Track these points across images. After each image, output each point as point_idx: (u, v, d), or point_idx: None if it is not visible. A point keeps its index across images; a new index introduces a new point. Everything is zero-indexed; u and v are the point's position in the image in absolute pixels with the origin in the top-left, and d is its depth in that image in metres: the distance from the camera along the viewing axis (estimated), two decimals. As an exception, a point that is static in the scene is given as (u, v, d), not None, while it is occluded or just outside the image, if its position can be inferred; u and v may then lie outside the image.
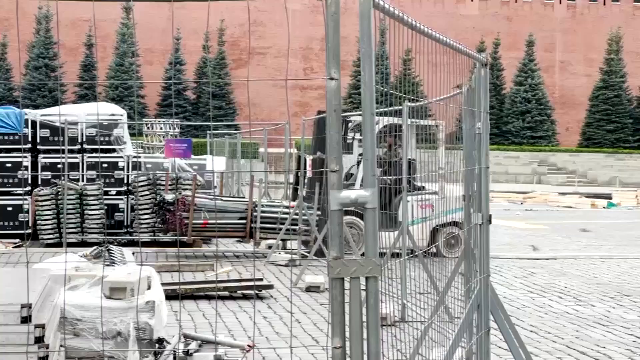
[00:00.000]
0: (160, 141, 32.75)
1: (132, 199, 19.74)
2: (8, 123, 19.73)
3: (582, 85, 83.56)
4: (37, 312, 6.14)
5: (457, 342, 6.01)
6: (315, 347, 9.62)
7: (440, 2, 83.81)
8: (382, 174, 13.27)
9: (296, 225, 16.78)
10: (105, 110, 21.80)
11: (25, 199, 19.45)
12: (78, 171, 19.91)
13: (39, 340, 5.97)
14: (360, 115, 16.70)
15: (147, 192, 19.20)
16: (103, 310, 7.35)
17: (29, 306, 5.94)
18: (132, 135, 26.53)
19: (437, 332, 6.49)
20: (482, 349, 6.49)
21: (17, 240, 19.16)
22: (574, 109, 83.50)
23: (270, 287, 13.37)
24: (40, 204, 18.81)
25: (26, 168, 19.73)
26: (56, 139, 19.78)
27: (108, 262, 9.91)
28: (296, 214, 16.78)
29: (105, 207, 19.26)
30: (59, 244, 18.47)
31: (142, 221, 19.13)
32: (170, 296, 10.94)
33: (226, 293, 13.03)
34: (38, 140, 19.97)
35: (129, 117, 34.74)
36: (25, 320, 5.92)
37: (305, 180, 18.89)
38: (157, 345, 8.01)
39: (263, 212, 17.78)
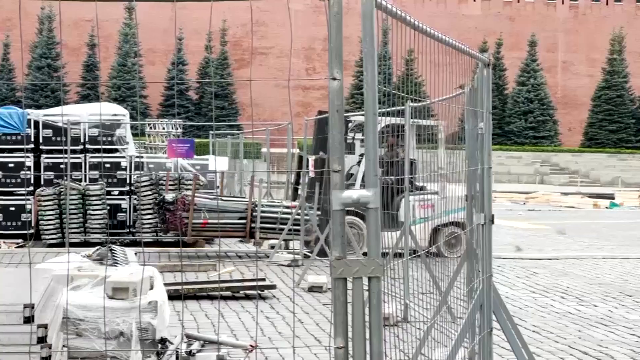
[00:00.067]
0: (163, 141, 32.71)
1: (135, 199, 19.74)
2: (11, 123, 19.73)
3: (584, 86, 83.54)
4: (40, 312, 6.14)
5: (460, 342, 6.01)
6: (317, 347, 9.62)
7: (442, 2, 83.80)
8: (383, 174, 13.28)
9: (298, 225, 16.78)
10: (108, 110, 21.81)
11: (28, 199, 19.46)
12: (81, 171, 19.91)
13: (42, 340, 5.98)
14: (360, 115, 16.77)
15: (149, 192, 19.20)
16: (106, 311, 7.35)
17: (32, 306, 5.94)
18: (134, 135, 26.55)
19: (439, 332, 6.49)
20: (484, 349, 6.49)
21: (19, 240, 19.17)
22: (577, 109, 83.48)
23: (272, 287, 13.37)
24: (43, 204, 18.81)
25: (29, 168, 19.73)
26: (59, 139, 19.79)
27: (111, 262, 9.91)
28: (298, 214, 16.77)
29: (108, 207, 19.25)
30: (61, 244, 18.48)
31: (145, 221, 19.13)
32: (173, 296, 10.95)
33: (229, 293, 13.03)
34: (41, 141, 19.97)
35: (132, 117, 34.74)
36: (28, 320, 5.93)
37: (306, 180, 18.90)
38: (159, 345, 8.02)
39: (263, 212, 17.77)
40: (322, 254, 15.50)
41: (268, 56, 78.96)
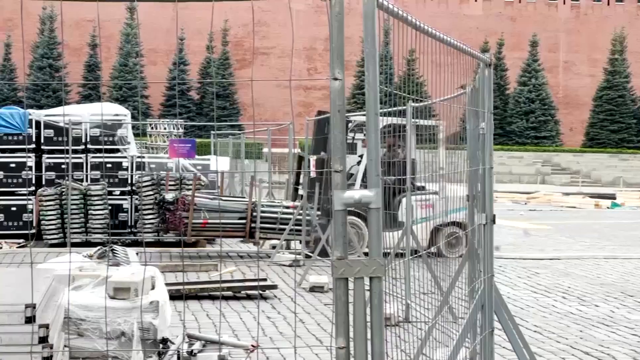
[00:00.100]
0: (164, 141, 32.72)
1: (136, 199, 19.75)
2: (12, 123, 19.74)
3: (586, 86, 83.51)
4: (41, 312, 6.14)
5: (461, 343, 6.01)
6: (319, 348, 9.63)
7: (444, 2, 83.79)
8: (383, 174, 13.25)
9: (300, 225, 16.78)
10: (109, 110, 21.81)
11: (30, 199, 19.45)
12: (82, 171, 19.92)
13: (43, 340, 5.98)
14: (360, 115, 16.77)
15: (151, 192, 19.20)
16: (107, 311, 7.35)
17: (33, 306, 5.95)
18: (136, 135, 26.56)
19: (441, 333, 6.49)
20: (486, 349, 6.49)
21: (21, 240, 19.18)
22: (578, 109, 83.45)
23: (274, 287, 13.37)
24: (45, 204, 18.82)
25: (30, 168, 19.73)
26: (60, 139, 19.79)
27: (112, 262, 9.91)
28: (300, 214, 16.77)
29: (109, 207, 19.25)
30: (63, 244, 18.48)
31: (146, 221, 19.13)
32: (174, 296, 10.96)
33: (230, 293, 13.03)
34: (42, 141, 19.98)
35: (133, 117, 34.78)
36: (30, 320, 5.93)
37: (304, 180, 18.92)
38: (161, 345, 8.02)
39: (263, 212, 17.75)
40: (324, 254, 15.51)
41: (269, 56, 78.96)
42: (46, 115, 20.58)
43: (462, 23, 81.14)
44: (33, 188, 19.57)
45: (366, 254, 3.96)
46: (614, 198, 45.35)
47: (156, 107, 73.35)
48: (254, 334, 10.29)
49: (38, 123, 20.04)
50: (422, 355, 6.32)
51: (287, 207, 18.05)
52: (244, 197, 19.74)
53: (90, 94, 70.47)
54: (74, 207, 18.83)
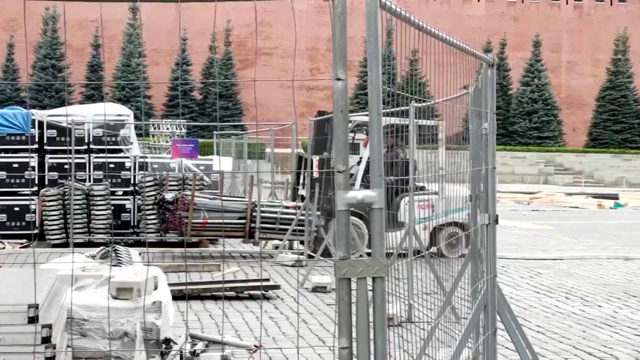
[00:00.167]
0: (167, 142, 32.75)
1: (139, 199, 19.76)
2: (15, 124, 19.75)
3: (588, 86, 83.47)
4: (44, 313, 6.15)
5: (464, 343, 6.01)
6: (322, 348, 9.62)
7: (446, 2, 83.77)
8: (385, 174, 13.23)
9: (302, 225, 16.78)
10: (112, 110, 21.81)
11: (32, 200, 19.47)
12: (85, 171, 19.92)
13: (46, 340, 5.98)
14: (360, 115, 16.76)
15: (153, 193, 19.20)
16: (110, 311, 7.36)
17: (36, 306, 5.95)
18: (138, 135, 26.58)
19: (443, 333, 6.49)
20: (488, 350, 6.49)
21: (24, 241, 19.19)
22: (581, 110, 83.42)
23: (277, 287, 13.37)
24: (47, 204, 18.83)
25: (33, 168, 19.75)
26: (63, 139, 19.81)
27: (115, 263, 9.92)
28: (303, 215, 16.77)
29: (112, 208, 19.26)
30: (65, 245, 18.49)
31: (149, 221, 19.13)
32: (177, 296, 10.95)
33: (233, 293, 13.03)
34: (45, 141, 20.00)
35: (136, 117, 34.79)
36: (32, 320, 5.93)
37: (306, 180, 18.93)
38: (163, 345, 8.02)
39: (262, 212, 17.73)
40: (326, 254, 15.51)
41: (272, 56, 78.98)
42: (49, 116, 20.59)
43: (465, 23, 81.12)
44: (36, 188, 19.59)
45: (368, 253, 3.96)
46: (617, 198, 45.32)
47: (159, 108, 73.36)
48: (256, 334, 10.29)
49: (41, 123, 20.05)
50: (424, 356, 6.32)
51: (287, 207, 18.05)
52: (244, 197, 19.74)
53: (93, 94, 70.50)
54: (77, 207, 18.84)
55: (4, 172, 19.59)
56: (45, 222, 18.79)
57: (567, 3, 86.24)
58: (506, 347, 9.12)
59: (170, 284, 9.56)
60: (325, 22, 74.69)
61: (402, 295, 11.02)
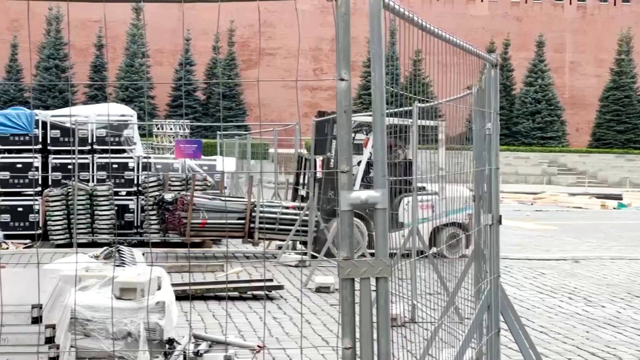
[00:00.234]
0: (170, 142, 32.81)
1: (142, 199, 19.77)
2: (19, 124, 19.78)
3: (592, 86, 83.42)
4: (48, 313, 6.15)
5: (467, 343, 6.01)
6: (325, 348, 9.63)
7: (450, 2, 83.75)
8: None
9: (305, 226, 16.78)
10: (116, 111, 21.83)
11: (36, 200, 19.49)
12: (88, 172, 19.94)
13: (50, 340, 5.99)
14: (360, 115, 16.72)
15: (157, 193, 19.20)
16: (113, 311, 7.36)
17: (40, 307, 5.95)
18: (142, 136, 26.59)
19: (447, 333, 6.49)
20: (492, 350, 6.48)
21: (27, 241, 19.21)
22: (584, 110, 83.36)
23: (280, 287, 13.37)
24: (51, 204, 18.85)
25: (37, 169, 19.77)
26: (66, 139, 19.82)
27: (118, 263, 9.92)
28: (306, 215, 16.77)
29: (116, 208, 19.28)
30: (69, 245, 18.51)
31: (152, 222, 19.13)
32: (181, 297, 10.96)
33: (236, 294, 13.04)
34: (48, 141, 20.01)
35: (139, 117, 34.75)
36: (36, 320, 5.94)
37: (306, 181, 18.94)
38: (167, 345, 8.02)
39: (262, 212, 17.72)
40: (329, 254, 15.52)
41: (275, 57, 78.97)
42: (52, 116, 20.61)
43: (468, 23, 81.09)
44: (39, 188, 19.62)
45: (372, 254, 3.96)
46: (621, 199, 45.31)
47: (162, 108, 73.40)
48: (260, 334, 10.30)
49: (44, 124, 20.07)
50: (428, 356, 6.32)
51: (287, 208, 18.05)
52: (244, 198, 19.73)
53: (97, 95, 70.53)
54: (80, 207, 18.85)
55: (8, 173, 19.61)
56: (49, 222, 18.81)
57: (570, 3, 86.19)
58: (509, 348, 9.12)
59: (173, 284, 9.56)
60: (329, 22, 74.64)
61: (405, 295, 11.03)
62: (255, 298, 12.98)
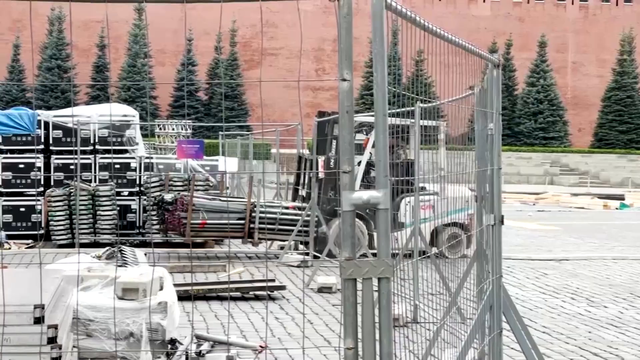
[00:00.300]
0: (173, 142, 32.79)
1: (145, 199, 19.77)
2: (21, 124, 19.76)
3: (594, 86, 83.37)
4: (50, 313, 6.16)
5: (470, 343, 6.01)
6: (327, 348, 9.63)
7: (452, 3, 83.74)
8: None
9: (306, 226, 16.77)
10: (118, 111, 21.85)
11: (38, 200, 19.49)
12: (90, 172, 19.96)
13: (52, 340, 5.99)
14: (361, 115, 16.69)
15: (158, 193, 19.20)
16: (115, 311, 7.37)
17: (42, 307, 5.96)
18: (144, 136, 26.59)
19: (449, 333, 6.49)
20: (494, 350, 6.48)
21: (29, 241, 19.22)
22: (586, 110, 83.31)
23: (282, 287, 13.37)
24: (53, 204, 18.86)
25: (39, 169, 19.78)
26: (69, 140, 19.84)
27: (120, 263, 9.92)
28: (308, 215, 16.76)
29: (118, 208, 19.28)
30: (71, 245, 18.51)
31: (154, 222, 19.13)
32: (183, 297, 10.97)
33: (238, 294, 13.04)
34: (51, 141, 20.02)
35: (141, 118, 34.80)
36: (38, 320, 5.94)
37: (306, 181, 18.95)
38: (169, 346, 8.03)
39: (262, 212, 17.72)
40: (330, 254, 15.52)
41: (278, 57, 78.97)
42: (55, 116, 20.63)
43: (470, 24, 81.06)
44: (42, 189, 19.62)
45: (374, 254, 3.96)
46: (623, 199, 45.29)
47: (164, 108, 73.42)
48: (262, 334, 10.30)
49: (47, 124, 20.09)
50: (430, 356, 6.31)
51: (287, 208, 18.05)
52: (244, 198, 19.73)
53: (99, 95, 70.54)
54: (83, 207, 18.86)
55: (10, 173, 19.62)
56: (51, 222, 18.82)
57: (572, 3, 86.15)
58: (512, 348, 9.12)
59: (175, 285, 9.56)
60: (331, 22, 74.59)
61: (407, 295, 11.03)
62: (257, 298, 12.98)
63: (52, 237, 18.84)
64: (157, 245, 18.83)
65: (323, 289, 13.69)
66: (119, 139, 20.26)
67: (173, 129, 36.12)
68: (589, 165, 68.33)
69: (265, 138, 34.13)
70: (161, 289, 8.31)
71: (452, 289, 8.21)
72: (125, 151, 20.37)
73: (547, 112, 77.74)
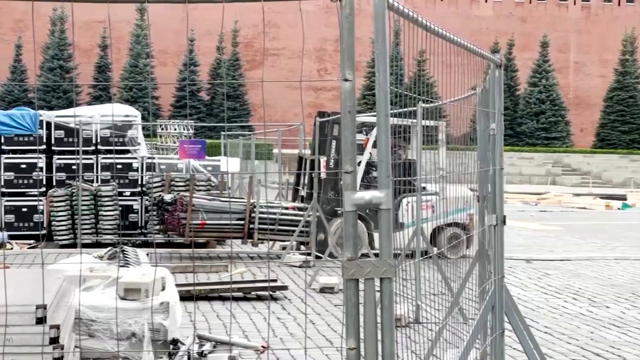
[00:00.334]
0: (175, 142, 32.78)
1: (147, 200, 19.77)
2: (23, 124, 19.75)
3: (596, 86, 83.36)
4: (52, 313, 6.16)
5: (472, 344, 6.00)
6: (329, 348, 9.62)
7: (454, 3, 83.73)
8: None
9: (307, 226, 16.76)
10: (120, 111, 21.85)
11: (40, 200, 19.50)
12: (92, 172, 19.95)
13: (54, 341, 5.99)
14: (361, 115, 16.69)
15: (159, 194, 19.19)
16: (117, 311, 7.37)
17: (44, 307, 5.96)
18: (146, 136, 26.60)
19: (451, 334, 6.49)
20: (496, 350, 6.48)
21: (32, 241, 19.23)
22: (589, 110, 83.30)
23: (284, 288, 13.37)
24: (55, 205, 18.86)
25: (41, 169, 19.79)
26: (71, 140, 19.85)
27: (122, 263, 9.93)
28: (310, 215, 16.76)
29: (120, 208, 19.29)
30: (73, 245, 18.52)
31: (156, 222, 19.12)
32: (185, 297, 10.96)
33: (240, 294, 13.04)
34: (53, 142, 20.03)
35: (143, 118, 34.82)
36: (41, 321, 5.94)
37: (306, 181, 18.94)
38: (171, 346, 8.03)
39: (261, 212, 17.70)
40: (332, 254, 15.52)
41: (279, 57, 79.00)
42: (57, 116, 20.63)
43: (473, 24, 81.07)
44: (44, 189, 19.63)
45: (376, 254, 3.96)
46: (625, 199, 45.26)
47: (166, 108, 73.42)
48: (264, 334, 10.30)
49: (49, 124, 20.09)
50: (432, 357, 6.31)
51: (286, 208, 18.04)
52: (243, 198, 19.73)
53: (101, 95, 70.55)
54: (85, 208, 18.87)
55: (12, 173, 19.63)
56: (53, 222, 18.82)
57: (574, 3, 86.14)
58: (514, 348, 9.12)
59: (177, 285, 9.57)
60: (333, 22, 74.62)
61: (409, 296, 11.03)
62: (259, 298, 12.98)
63: (54, 238, 18.85)
64: (159, 245, 18.84)
65: (325, 289, 13.69)
66: (121, 139, 20.26)
67: (175, 129, 36.09)
68: (591, 165, 68.30)
69: (267, 138, 34.15)
70: (163, 289, 8.31)
71: (454, 289, 8.20)
72: (127, 151, 20.37)
73: (549, 112, 77.71)
